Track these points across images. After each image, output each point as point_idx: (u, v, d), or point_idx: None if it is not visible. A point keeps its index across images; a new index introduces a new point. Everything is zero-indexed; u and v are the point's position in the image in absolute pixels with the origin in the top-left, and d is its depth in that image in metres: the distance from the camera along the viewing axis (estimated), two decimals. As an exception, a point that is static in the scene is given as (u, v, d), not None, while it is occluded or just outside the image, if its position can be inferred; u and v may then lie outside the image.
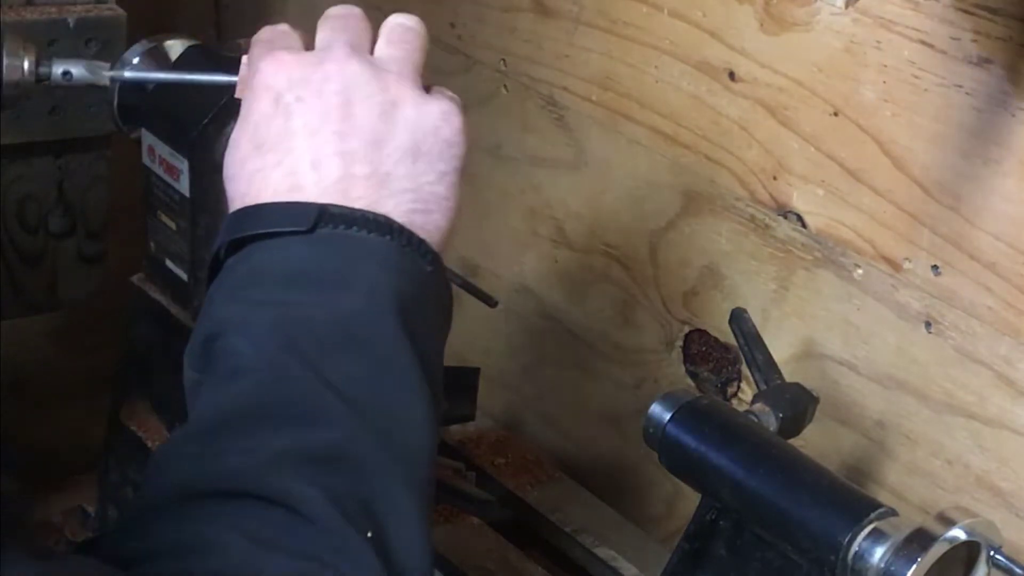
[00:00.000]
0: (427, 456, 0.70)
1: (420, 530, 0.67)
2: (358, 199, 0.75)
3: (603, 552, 1.29)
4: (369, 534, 0.64)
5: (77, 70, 0.93)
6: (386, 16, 0.83)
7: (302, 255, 0.73)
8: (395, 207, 0.75)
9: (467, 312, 1.54)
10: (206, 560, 0.61)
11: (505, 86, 1.40)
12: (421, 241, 0.75)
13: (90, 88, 0.95)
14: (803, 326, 1.19)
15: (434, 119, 0.79)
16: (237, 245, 0.75)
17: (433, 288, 0.75)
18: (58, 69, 0.93)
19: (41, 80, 0.93)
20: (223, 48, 1.26)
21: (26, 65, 0.92)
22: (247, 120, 0.79)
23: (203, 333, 0.72)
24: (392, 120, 0.77)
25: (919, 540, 0.88)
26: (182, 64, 1.25)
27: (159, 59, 1.30)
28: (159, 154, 1.21)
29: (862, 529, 0.90)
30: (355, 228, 0.73)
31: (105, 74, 0.94)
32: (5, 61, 0.90)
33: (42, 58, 0.94)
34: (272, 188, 0.75)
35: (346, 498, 0.64)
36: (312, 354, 0.68)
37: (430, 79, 0.83)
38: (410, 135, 0.77)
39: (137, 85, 1.28)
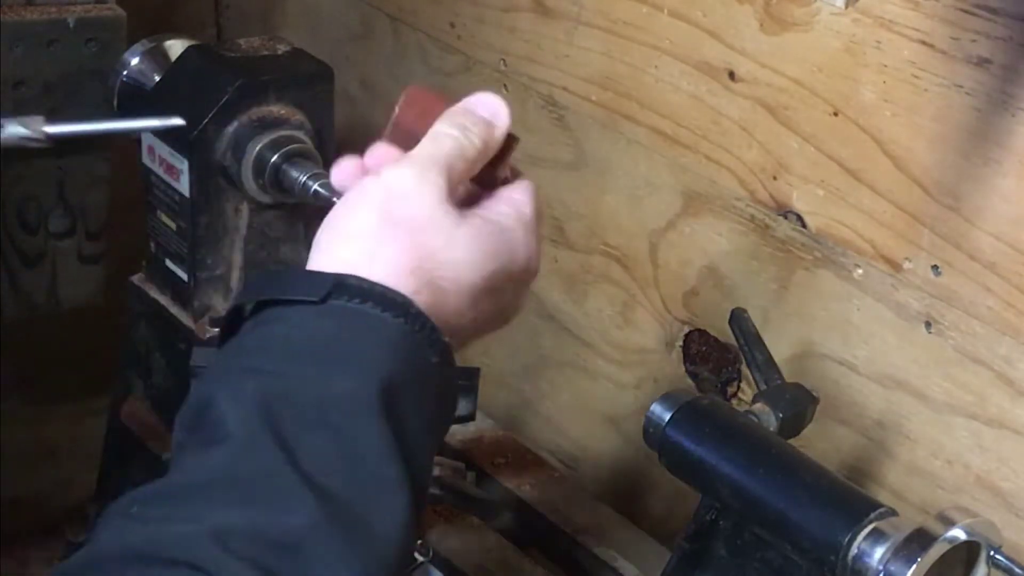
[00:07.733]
0: (395, 553, 0.68)
1: None
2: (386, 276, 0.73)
3: (603, 552, 1.28)
4: None
5: (11, 127, 0.89)
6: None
7: (308, 326, 0.71)
8: (420, 291, 0.74)
9: (467, 312, 1.54)
10: None
11: (505, 86, 1.40)
12: (434, 329, 0.73)
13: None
14: (803, 326, 1.19)
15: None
16: (258, 305, 0.74)
17: (435, 379, 0.74)
18: None
19: None
20: (223, 48, 1.26)
21: None
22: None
23: (197, 396, 0.70)
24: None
25: (919, 540, 0.88)
26: (181, 64, 1.25)
27: (159, 59, 1.30)
28: (159, 154, 1.21)
29: (862, 529, 0.90)
30: (369, 304, 0.72)
31: (41, 129, 0.90)
32: None
33: None
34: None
35: None
36: (290, 433, 0.67)
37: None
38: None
39: (137, 84, 1.28)
